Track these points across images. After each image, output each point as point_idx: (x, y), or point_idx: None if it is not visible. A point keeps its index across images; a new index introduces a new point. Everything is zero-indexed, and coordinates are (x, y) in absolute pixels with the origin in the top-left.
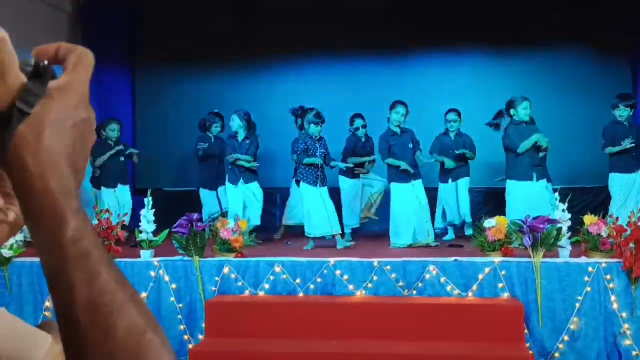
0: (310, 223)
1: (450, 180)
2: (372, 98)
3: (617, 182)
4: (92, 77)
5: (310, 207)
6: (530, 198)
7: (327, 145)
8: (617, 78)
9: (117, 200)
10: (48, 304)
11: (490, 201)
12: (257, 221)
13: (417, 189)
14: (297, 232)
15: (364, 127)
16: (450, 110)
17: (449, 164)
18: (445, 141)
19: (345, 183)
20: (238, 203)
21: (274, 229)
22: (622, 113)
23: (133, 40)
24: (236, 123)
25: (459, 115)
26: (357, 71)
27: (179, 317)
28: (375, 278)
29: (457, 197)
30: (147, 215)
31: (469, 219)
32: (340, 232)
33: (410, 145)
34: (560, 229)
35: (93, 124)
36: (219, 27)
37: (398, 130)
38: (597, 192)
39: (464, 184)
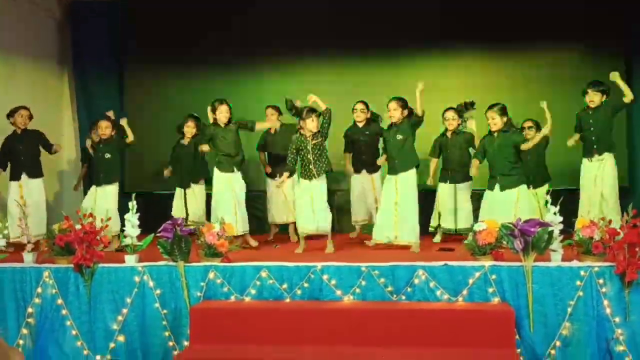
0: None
1: (448, 182)
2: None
3: (585, 169)
4: (79, 81)
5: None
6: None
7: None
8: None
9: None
10: (30, 309)
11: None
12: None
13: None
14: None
15: (363, 111)
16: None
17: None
18: (443, 141)
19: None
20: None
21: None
22: (592, 98)
23: (120, 44)
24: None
25: (457, 113)
26: (349, 71)
27: (164, 323)
28: (363, 283)
29: (455, 201)
30: (131, 220)
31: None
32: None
33: None
34: (551, 232)
35: None
36: (208, 30)
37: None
38: None
39: (463, 187)
